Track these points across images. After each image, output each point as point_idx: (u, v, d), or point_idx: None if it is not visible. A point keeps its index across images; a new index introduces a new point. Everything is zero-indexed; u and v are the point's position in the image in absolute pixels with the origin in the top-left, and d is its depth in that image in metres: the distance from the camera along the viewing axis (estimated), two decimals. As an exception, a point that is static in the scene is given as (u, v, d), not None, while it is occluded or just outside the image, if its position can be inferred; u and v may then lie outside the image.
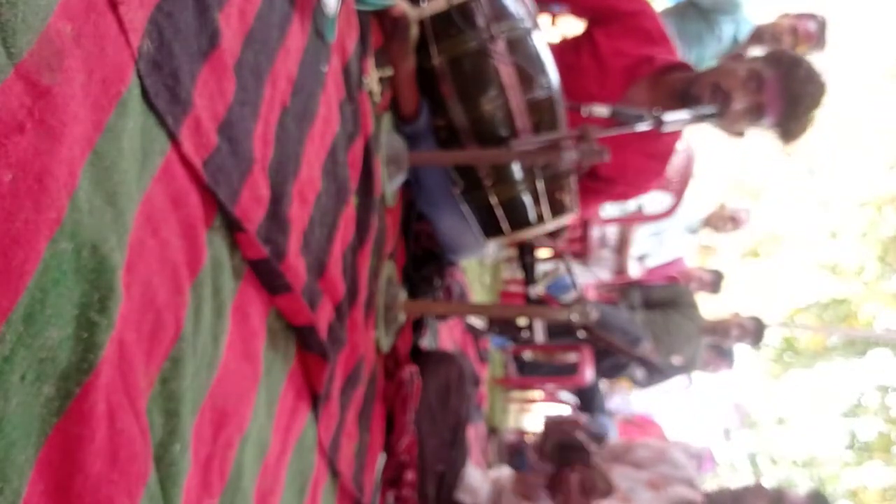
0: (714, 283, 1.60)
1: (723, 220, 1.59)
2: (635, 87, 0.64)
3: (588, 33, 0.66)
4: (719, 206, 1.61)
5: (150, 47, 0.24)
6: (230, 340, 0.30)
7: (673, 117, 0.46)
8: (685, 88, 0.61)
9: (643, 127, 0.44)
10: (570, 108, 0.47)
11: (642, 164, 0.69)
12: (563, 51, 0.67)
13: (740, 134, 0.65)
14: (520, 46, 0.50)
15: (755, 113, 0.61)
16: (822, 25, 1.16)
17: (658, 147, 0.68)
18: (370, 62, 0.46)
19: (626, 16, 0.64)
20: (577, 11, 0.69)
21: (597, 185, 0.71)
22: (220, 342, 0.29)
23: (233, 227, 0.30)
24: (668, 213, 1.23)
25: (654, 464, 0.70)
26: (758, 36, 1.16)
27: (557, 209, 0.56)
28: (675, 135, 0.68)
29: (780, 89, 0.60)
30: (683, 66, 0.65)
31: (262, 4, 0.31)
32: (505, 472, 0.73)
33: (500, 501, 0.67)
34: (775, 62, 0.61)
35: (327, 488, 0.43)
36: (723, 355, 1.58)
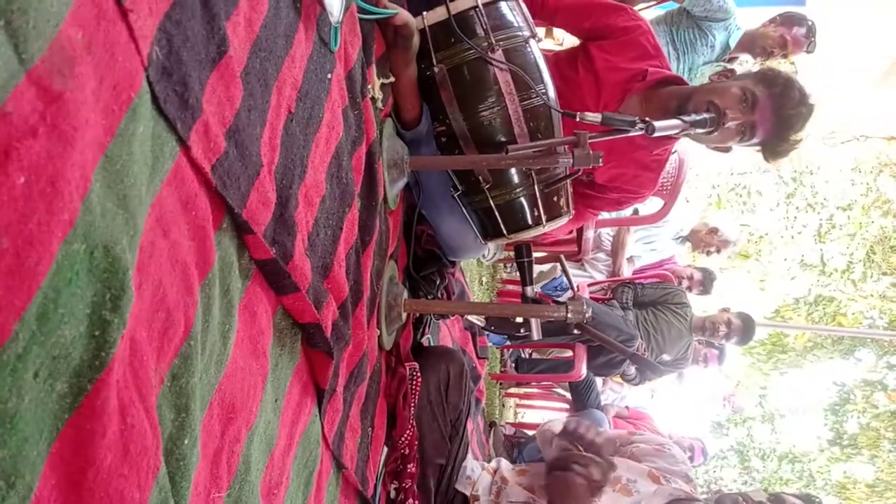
0: (704, 282, 1.64)
1: (706, 244, 1.61)
2: (629, 100, 0.65)
3: (584, 47, 0.67)
4: (709, 229, 1.63)
5: (160, 54, 0.25)
6: (238, 338, 0.31)
7: (663, 123, 0.47)
8: (680, 104, 0.62)
9: (634, 133, 0.45)
10: (565, 114, 0.48)
11: (636, 172, 0.70)
12: (560, 63, 0.68)
13: (727, 149, 0.67)
14: (518, 54, 0.51)
15: (746, 132, 0.62)
16: (810, 29, 1.19)
17: (652, 157, 0.69)
18: (373, 70, 0.47)
19: (621, 31, 0.65)
20: (574, 32, 0.70)
21: (593, 192, 0.73)
22: (228, 340, 0.30)
23: (241, 229, 0.31)
24: (659, 215, 1.25)
25: (653, 457, 0.70)
26: (748, 42, 1.18)
27: (554, 212, 0.58)
28: (669, 145, 0.69)
29: (773, 110, 0.60)
30: (677, 80, 0.67)
31: (269, 14, 0.32)
32: (504, 464, 0.74)
33: (501, 493, 0.68)
34: (769, 83, 0.61)
35: (332, 481, 0.44)
36: (713, 351, 1.61)
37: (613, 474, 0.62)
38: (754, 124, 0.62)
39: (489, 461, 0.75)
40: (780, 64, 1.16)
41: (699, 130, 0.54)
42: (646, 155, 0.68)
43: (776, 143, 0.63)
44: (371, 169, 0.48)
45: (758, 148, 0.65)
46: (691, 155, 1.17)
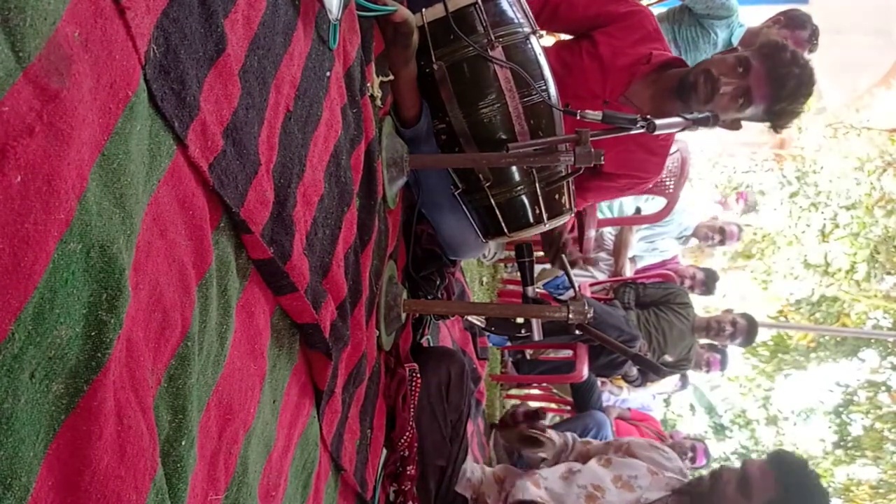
0: (707, 282, 1.63)
1: (712, 232, 1.63)
2: (635, 84, 0.66)
3: (588, 35, 0.68)
4: (710, 218, 1.65)
5: (157, 52, 0.24)
6: (236, 339, 0.31)
7: (664, 122, 0.47)
8: (680, 80, 0.63)
9: (635, 131, 0.45)
10: (566, 112, 0.48)
11: (644, 157, 0.70)
12: (563, 51, 0.68)
13: (736, 126, 0.66)
14: (518, 51, 0.51)
15: (743, 98, 0.62)
16: (814, 32, 1.18)
17: (656, 141, 0.69)
18: (372, 67, 0.47)
19: (624, 17, 0.66)
20: (576, 25, 0.70)
21: (599, 180, 0.72)
22: (226, 340, 0.30)
23: (238, 229, 0.31)
24: (662, 214, 1.24)
25: (647, 451, 0.74)
26: (750, 41, 1.18)
27: (555, 210, 0.57)
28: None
29: (765, 72, 0.60)
30: (679, 63, 0.67)
31: (267, 11, 0.32)
32: (500, 468, 0.75)
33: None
34: (761, 48, 0.62)
35: (330, 483, 0.43)
36: (715, 356, 1.61)
37: (615, 473, 0.63)
38: (749, 89, 0.62)
39: (490, 463, 0.75)
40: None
41: (702, 128, 0.53)
42: (652, 139, 0.68)
43: (774, 104, 0.62)
44: (370, 168, 0.48)
45: (767, 123, 0.65)
46: (694, 154, 1.16)
